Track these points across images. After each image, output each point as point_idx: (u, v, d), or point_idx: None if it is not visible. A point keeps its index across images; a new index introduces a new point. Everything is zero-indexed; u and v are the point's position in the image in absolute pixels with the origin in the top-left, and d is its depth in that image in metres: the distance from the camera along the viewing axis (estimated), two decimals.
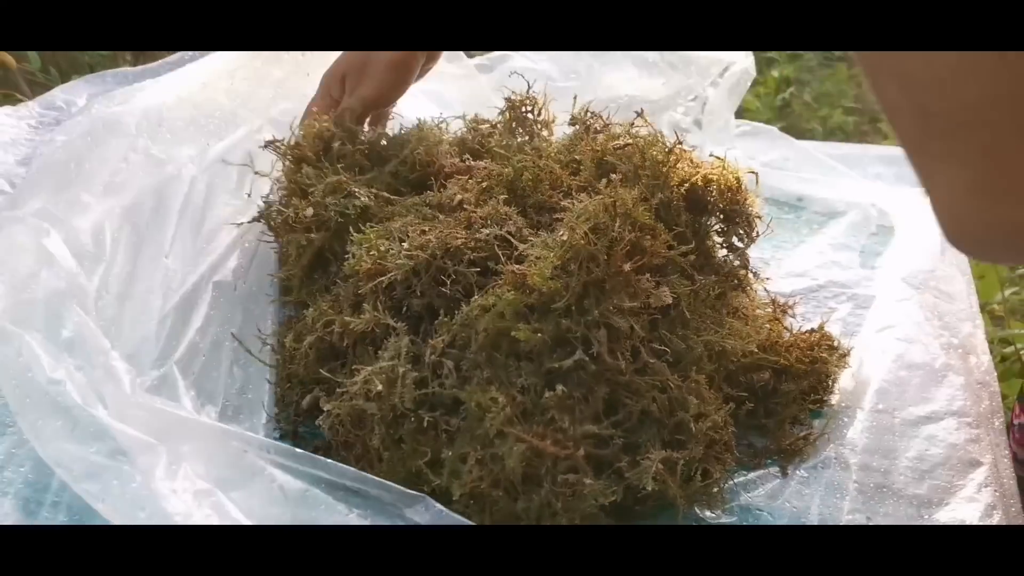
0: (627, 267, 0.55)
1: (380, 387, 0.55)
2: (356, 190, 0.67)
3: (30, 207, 0.60)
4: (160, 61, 1.13)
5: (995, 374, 0.69)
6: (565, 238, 0.54)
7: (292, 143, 0.73)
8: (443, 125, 0.76)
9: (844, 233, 0.92)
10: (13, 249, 0.58)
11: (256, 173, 0.73)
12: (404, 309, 0.60)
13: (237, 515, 0.50)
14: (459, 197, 0.66)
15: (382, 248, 0.61)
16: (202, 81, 0.71)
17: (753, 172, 0.69)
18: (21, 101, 1.38)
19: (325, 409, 0.58)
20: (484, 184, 0.68)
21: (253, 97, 0.76)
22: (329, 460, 0.53)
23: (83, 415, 0.52)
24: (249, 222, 0.73)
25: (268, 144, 0.73)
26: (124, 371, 0.53)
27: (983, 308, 1.39)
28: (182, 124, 0.69)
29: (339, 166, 0.70)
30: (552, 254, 0.54)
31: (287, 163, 0.73)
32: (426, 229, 0.62)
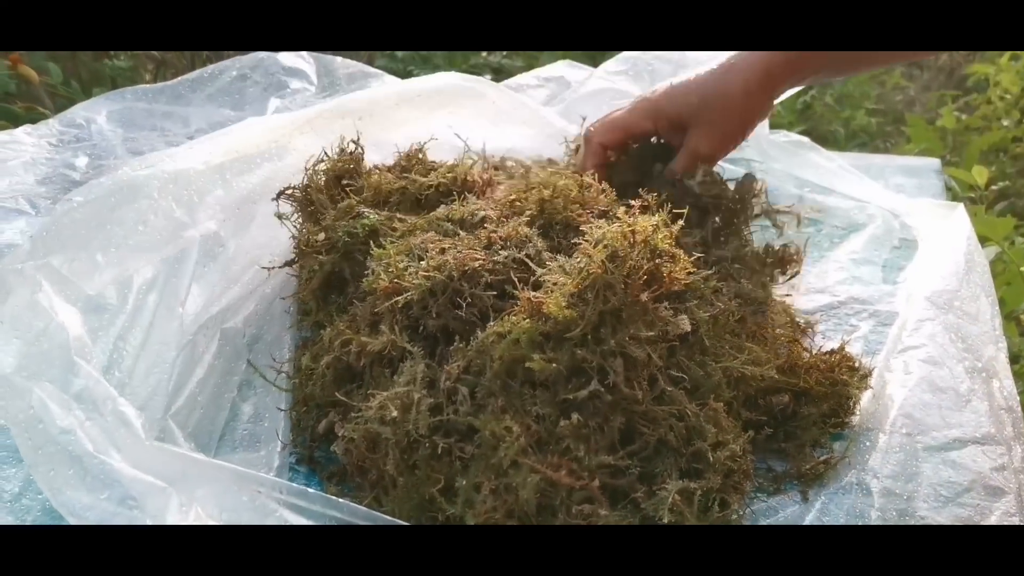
0: (645, 296, 0.54)
1: (395, 413, 0.54)
2: (365, 211, 0.67)
3: (36, 262, 0.61)
4: (179, 79, 1.14)
5: (1018, 399, 0.67)
6: (582, 265, 0.54)
7: (303, 187, 0.73)
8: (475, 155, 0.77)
9: (865, 247, 0.91)
10: (27, 304, 0.59)
11: (280, 218, 0.74)
12: (421, 329, 0.59)
13: None
14: (481, 214, 0.66)
15: (400, 265, 0.61)
16: (234, 148, 0.71)
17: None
18: (44, 114, 1.40)
19: (340, 435, 0.58)
20: (512, 197, 0.67)
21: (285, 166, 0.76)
22: (341, 500, 0.52)
23: (93, 463, 0.52)
24: (280, 267, 0.74)
25: (280, 195, 0.73)
26: (134, 416, 0.53)
27: (1009, 316, 1.37)
28: (209, 187, 0.68)
29: (348, 188, 0.70)
30: (569, 281, 0.54)
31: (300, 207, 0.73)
32: (445, 247, 0.62)
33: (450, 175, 0.71)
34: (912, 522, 0.57)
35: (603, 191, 0.68)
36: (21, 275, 0.59)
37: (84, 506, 0.51)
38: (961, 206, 0.87)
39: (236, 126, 0.77)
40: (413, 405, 0.54)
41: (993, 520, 0.57)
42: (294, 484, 0.54)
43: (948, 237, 0.82)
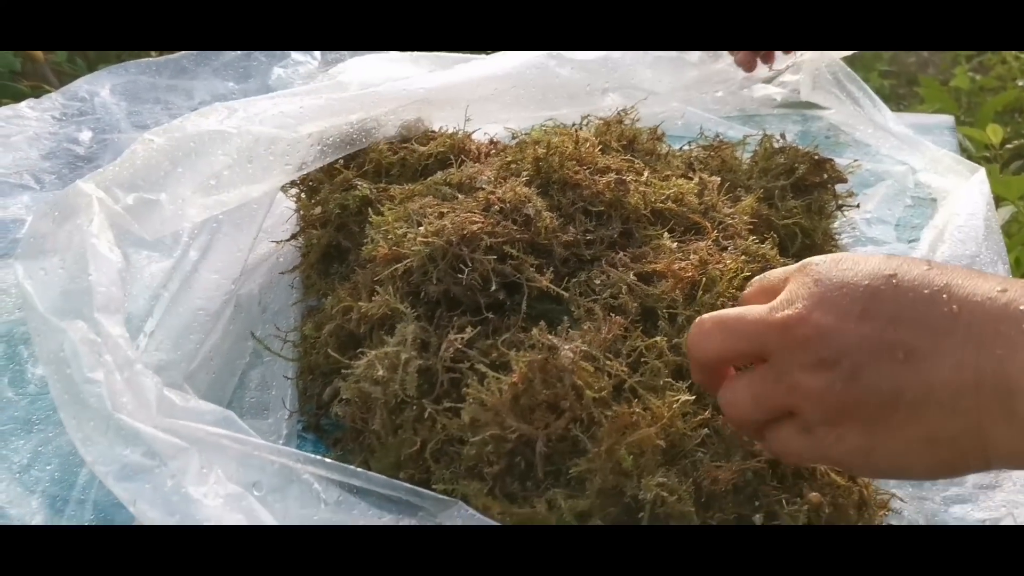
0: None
1: (381, 371, 0.54)
2: (358, 183, 0.66)
3: (103, 192, 0.60)
4: (182, 52, 1.13)
5: None
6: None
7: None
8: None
9: (878, 206, 0.89)
10: (82, 234, 0.57)
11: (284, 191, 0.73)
12: (421, 295, 0.59)
13: (267, 518, 0.49)
14: (480, 177, 0.65)
15: (399, 232, 0.60)
16: (326, 116, 0.69)
17: None
18: (49, 92, 1.40)
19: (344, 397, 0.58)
20: (508, 159, 0.67)
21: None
22: (359, 469, 0.52)
23: (114, 418, 0.51)
24: (286, 240, 0.74)
25: (284, 189, 0.72)
26: (151, 385, 0.52)
27: None
28: (285, 147, 0.67)
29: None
30: None
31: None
32: (444, 211, 0.61)
33: (448, 142, 0.70)
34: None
35: (598, 146, 0.67)
36: (87, 200, 0.58)
37: (107, 458, 0.50)
38: (982, 170, 0.85)
39: (335, 85, 0.76)
40: (401, 365, 0.54)
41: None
42: (312, 455, 0.53)
43: (967, 199, 0.81)
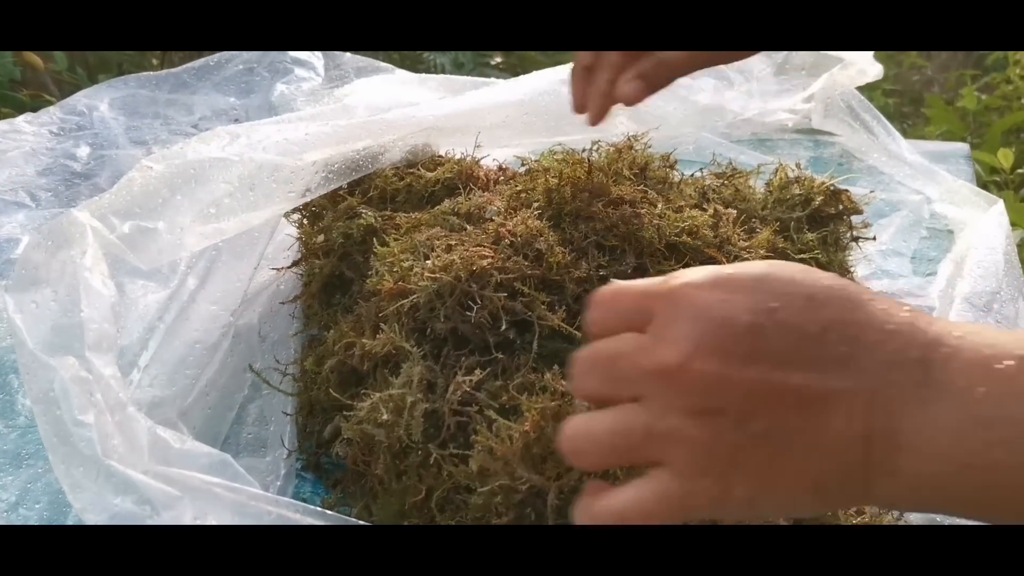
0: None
1: (385, 415, 0.52)
2: (363, 211, 0.64)
3: (98, 221, 0.57)
4: (184, 66, 1.11)
5: None
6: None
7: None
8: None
9: (893, 237, 0.87)
10: (75, 266, 0.55)
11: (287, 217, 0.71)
12: (428, 332, 0.57)
13: None
14: (490, 208, 0.63)
15: (405, 265, 0.58)
16: (333, 142, 0.66)
17: None
18: (49, 101, 1.38)
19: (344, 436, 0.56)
20: (519, 188, 0.65)
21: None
22: (361, 522, 0.50)
23: (103, 464, 0.48)
24: (287, 268, 0.72)
25: (287, 215, 0.70)
26: (144, 429, 0.50)
27: None
28: (288, 174, 0.64)
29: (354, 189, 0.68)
30: None
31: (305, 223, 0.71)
32: (452, 243, 0.59)
33: (456, 168, 0.68)
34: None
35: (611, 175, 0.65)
36: (80, 230, 0.55)
37: (97, 506, 0.48)
38: (1001, 202, 0.83)
39: (341, 109, 0.74)
40: (406, 409, 0.52)
41: None
42: (309, 506, 0.50)
43: (986, 232, 0.79)
